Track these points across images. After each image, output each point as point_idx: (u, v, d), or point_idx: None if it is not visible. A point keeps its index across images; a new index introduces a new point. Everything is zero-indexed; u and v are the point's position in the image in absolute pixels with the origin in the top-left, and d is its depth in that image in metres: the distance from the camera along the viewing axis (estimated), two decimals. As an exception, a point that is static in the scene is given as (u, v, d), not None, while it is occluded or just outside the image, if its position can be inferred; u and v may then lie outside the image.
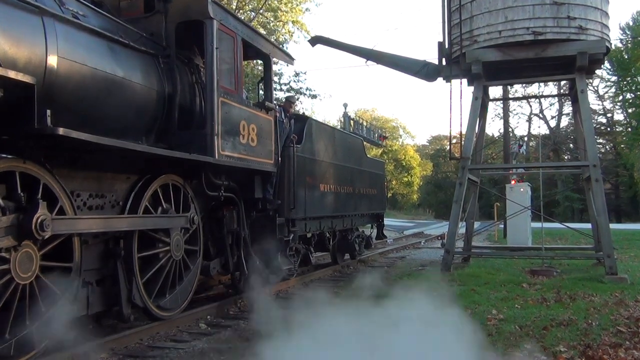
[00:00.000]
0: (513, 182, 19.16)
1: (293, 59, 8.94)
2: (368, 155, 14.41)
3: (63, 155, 4.88)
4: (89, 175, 5.25)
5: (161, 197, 6.02)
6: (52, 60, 4.54)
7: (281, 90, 23.98)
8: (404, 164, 52.68)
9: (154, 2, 6.37)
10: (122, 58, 5.52)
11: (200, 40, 6.38)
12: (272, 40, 11.05)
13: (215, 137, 6.27)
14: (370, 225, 13.89)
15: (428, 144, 64.62)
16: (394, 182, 48.96)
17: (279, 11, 21.97)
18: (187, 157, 5.86)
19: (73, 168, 5.03)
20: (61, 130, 4.16)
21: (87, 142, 4.49)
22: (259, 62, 15.27)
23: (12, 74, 3.83)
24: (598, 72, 16.47)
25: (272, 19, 22.08)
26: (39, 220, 4.21)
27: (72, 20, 4.88)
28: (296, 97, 22.12)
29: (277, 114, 8.18)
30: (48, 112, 4.24)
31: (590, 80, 20.17)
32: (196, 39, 6.50)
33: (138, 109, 5.76)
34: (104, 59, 5.24)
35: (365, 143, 14.80)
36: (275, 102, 8.31)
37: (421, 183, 57.21)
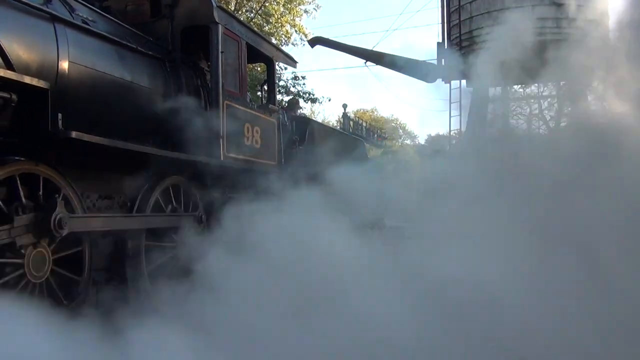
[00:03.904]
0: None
1: (296, 62, 9.07)
2: (369, 156, 14.52)
3: (73, 157, 4.99)
4: (98, 177, 5.35)
5: (172, 197, 6.14)
6: (64, 65, 4.66)
7: (279, 92, 23.98)
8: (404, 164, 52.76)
9: (160, 7, 6.49)
10: (129, 62, 5.63)
11: (206, 45, 6.49)
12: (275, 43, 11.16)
13: (221, 139, 6.38)
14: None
15: (427, 144, 64.70)
16: (393, 183, 48.92)
17: (273, 16, 22.02)
18: (194, 159, 5.97)
19: (82, 170, 5.13)
20: (74, 134, 4.28)
21: (98, 144, 4.62)
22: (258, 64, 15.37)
23: (27, 79, 3.96)
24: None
25: (265, 23, 22.13)
26: (57, 218, 4.33)
27: (82, 26, 4.99)
28: (296, 99, 22.19)
29: (280, 116, 8.30)
30: (60, 115, 4.37)
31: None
32: (202, 43, 6.61)
33: (145, 112, 5.86)
34: (112, 63, 5.36)
35: (366, 144, 14.92)
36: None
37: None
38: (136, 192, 5.79)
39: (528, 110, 36.64)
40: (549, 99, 31.07)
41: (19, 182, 4.26)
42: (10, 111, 4.13)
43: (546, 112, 34.43)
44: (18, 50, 4.24)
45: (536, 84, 24.00)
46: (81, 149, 4.79)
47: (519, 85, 25.42)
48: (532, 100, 32.98)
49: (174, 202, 6.16)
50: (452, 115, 15.68)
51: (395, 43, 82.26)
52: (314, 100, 25.82)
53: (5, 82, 3.90)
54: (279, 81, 24.47)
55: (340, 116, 22.64)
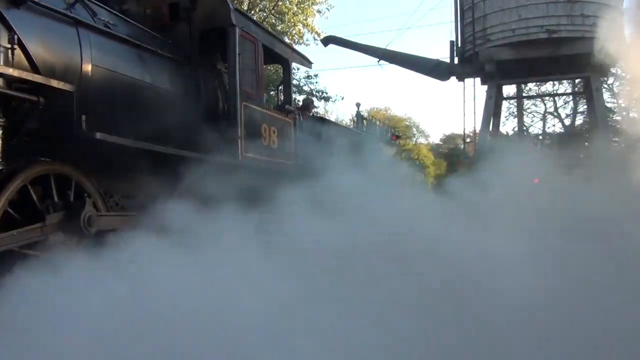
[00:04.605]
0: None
1: (311, 63, 9.16)
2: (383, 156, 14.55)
3: (96, 157, 5.10)
4: (120, 176, 5.47)
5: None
6: (87, 68, 4.79)
7: (292, 91, 23.87)
8: (418, 162, 52.57)
9: (178, 10, 6.60)
10: (149, 65, 5.75)
11: (223, 47, 6.60)
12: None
13: (239, 140, 6.48)
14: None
15: (442, 142, 64.40)
16: (407, 182, 48.75)
17: (287, 14, 22.08)
18: (213, 159, 6.06)
19: (105, 170, 5.24)
20: (99, 135, 4.40)
21: (121, 145, 4.73)
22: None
23: (54, 83, 4.08)
24: (612, 69, 16.55)
25: (279, 22, 22.17)
26: (86, 216, 4.45)
27: (104, 30, 5.12)
28: (310, 98, 22.18)
29: (296, 116, 8.38)
30: (83, 117, 4.49)
31: (605, 78, 20.22)
32: (219, 45, 6.72)
33: (165, 114, 5.97)
34: (133, 65, 5.48)
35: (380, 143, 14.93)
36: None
37: (435, 182, 57.01)
38: (157, 191, 5.90)
39: (543, 108, 36.38)
40: (564, 97, 30.88)
41: (52, 181, 4.38)
42: (37, 114, 4.25)
43: (561, 109, 34.08)
44: (44, 54, 4.37)
45: (551, 82, 23.76)
46: (104, 149, 4.91)
47: (534, 83, 25.35)
48: (547, 98, 32.78)
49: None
50: (466, 113, 15.67)
51: (409, 41, 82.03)
52: (327, 99, 25.84)
53: (33, 85, 4.02)
54: (292, 80, 24.45)
55: (354, 115, 22.66)
